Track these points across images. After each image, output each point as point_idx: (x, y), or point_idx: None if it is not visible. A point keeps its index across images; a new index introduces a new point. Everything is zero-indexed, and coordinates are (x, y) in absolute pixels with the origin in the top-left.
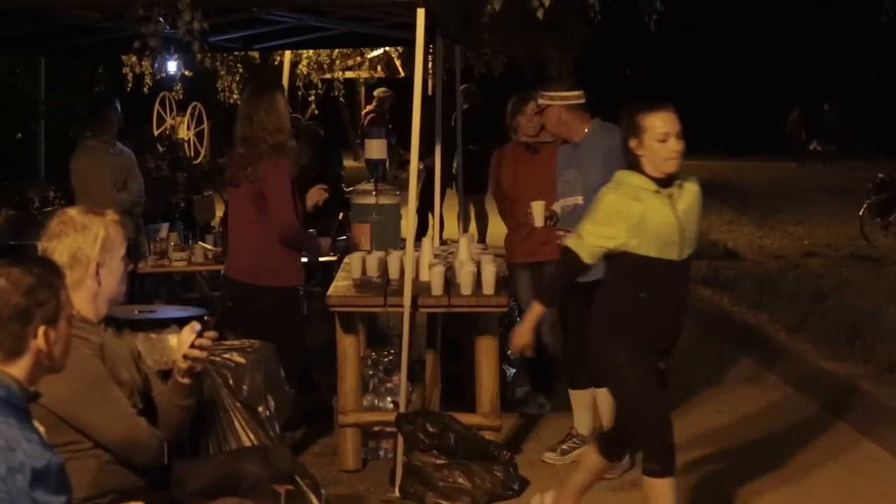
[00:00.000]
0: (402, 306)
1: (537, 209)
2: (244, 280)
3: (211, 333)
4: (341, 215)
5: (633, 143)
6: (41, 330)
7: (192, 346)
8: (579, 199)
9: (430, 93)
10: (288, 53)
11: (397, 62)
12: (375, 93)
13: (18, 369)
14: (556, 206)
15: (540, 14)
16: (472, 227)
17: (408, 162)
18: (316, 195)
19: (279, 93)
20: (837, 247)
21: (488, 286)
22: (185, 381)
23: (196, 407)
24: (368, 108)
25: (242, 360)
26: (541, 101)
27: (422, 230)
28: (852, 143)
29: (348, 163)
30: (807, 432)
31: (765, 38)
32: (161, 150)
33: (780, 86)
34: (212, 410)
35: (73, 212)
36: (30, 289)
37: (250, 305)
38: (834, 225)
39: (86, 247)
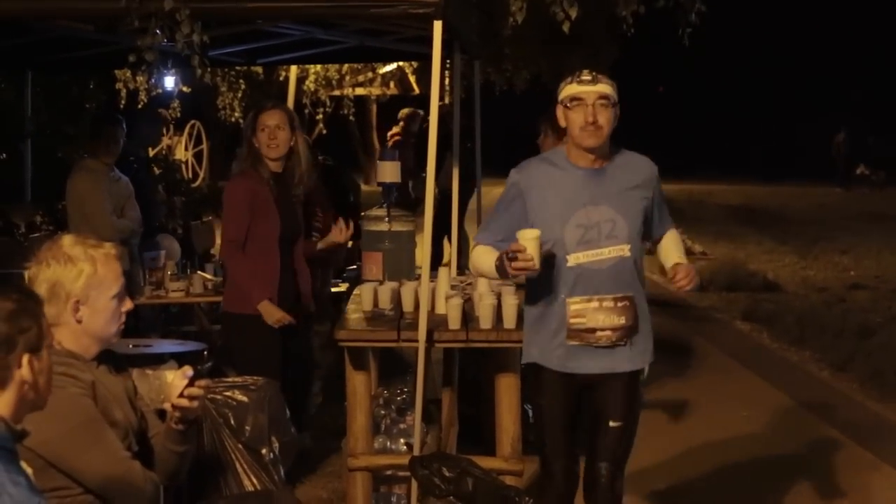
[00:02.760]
0: (416, 341)
1: (530, 241)
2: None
3: (203, 382)
4: (351, 243)
5: None
6: (25, 358)
7: (183, 394)
8: (625, 250)
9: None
10: (294, 68)
11: (411, 78)
12: (401, 114)
13: (3, 405)
14: (580, 258)
15: (566, 27)
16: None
17: None
18: (336, 236)
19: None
20: (886, 279)
21: (509, 320)
22: (179, 427)
23: (195, 450)
24: (395, 129)
25: (245, 399)
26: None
27: (437, 259)
28: None
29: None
30: (852, 480)
31: (808, 54)
32: (157, 171)
33: (825, 105)
34: (212, 452)
35: (66, 240)
36: (11, 315)
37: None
38: (883, 255)
39: (66, 281)
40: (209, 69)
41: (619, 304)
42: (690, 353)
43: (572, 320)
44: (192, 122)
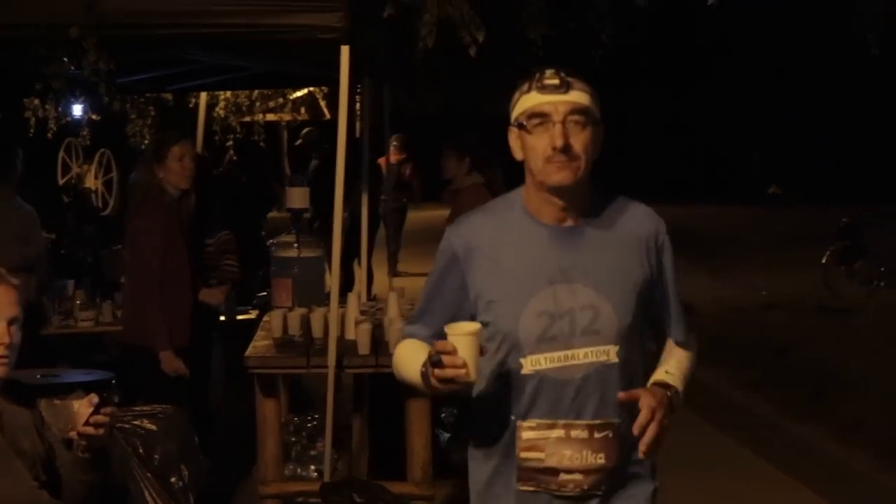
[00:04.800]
0: (326, 367)
1: (462, 338)
2: None
3: (109, 409)
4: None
5: None
6: None
7: (88, 422)
8: (610, 354)
9: (357, 135)
10: (203, 95)
11: (322, 103)
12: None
13: None
14: (541, 362)
15: (472, 51)
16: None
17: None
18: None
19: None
20: (799, 297)
21: None
22: (86, 455)
23: (103, 479)
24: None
25: (153, 427)
26: None
27: (347, 284)
28: (819, 185)
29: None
30: (767, 497)
31: (724, 73)
32: (66, 200)
33: (744, 125)
34: (122, 481)
35: None
36: None
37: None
38: (795, 274)
39: None
40: (118, 97)
41: (598, 435)
42: None
43: (525, 454)
44: (102, 150)
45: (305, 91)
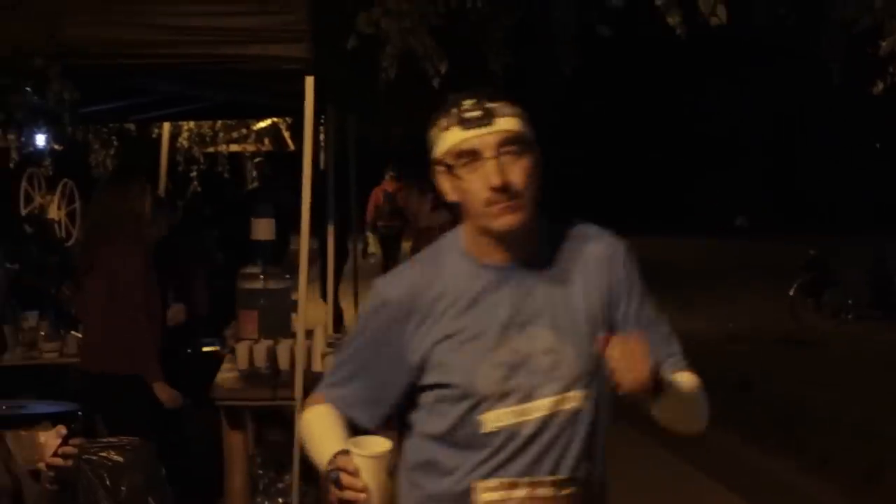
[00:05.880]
0: (292, 399)
1: (366, 462)
2: None
3: (77, 440)
4: None
5: None
6: None
7: (57, 453)
8: (578, 399)
9: (321, 167)
10: (167, 125)
11: (286, 134)
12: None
13: None
14: (501, 418)
15: (436, 83)
16: None
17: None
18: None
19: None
20: (766, 330)
21: None
22: (54, 487)
23: None
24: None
25: (120, 459)
26: None
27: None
28: (785, 216)
29: None
30: None
31: (695, 106)
32: (29, 230)
33: (714, 157)
34: None
35: None
36: None
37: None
38: (760, 307)
39: None
40: (80, 126)
41: (564, 492)
42: None
43: None
44: (65, 180)
45: (269, 122)
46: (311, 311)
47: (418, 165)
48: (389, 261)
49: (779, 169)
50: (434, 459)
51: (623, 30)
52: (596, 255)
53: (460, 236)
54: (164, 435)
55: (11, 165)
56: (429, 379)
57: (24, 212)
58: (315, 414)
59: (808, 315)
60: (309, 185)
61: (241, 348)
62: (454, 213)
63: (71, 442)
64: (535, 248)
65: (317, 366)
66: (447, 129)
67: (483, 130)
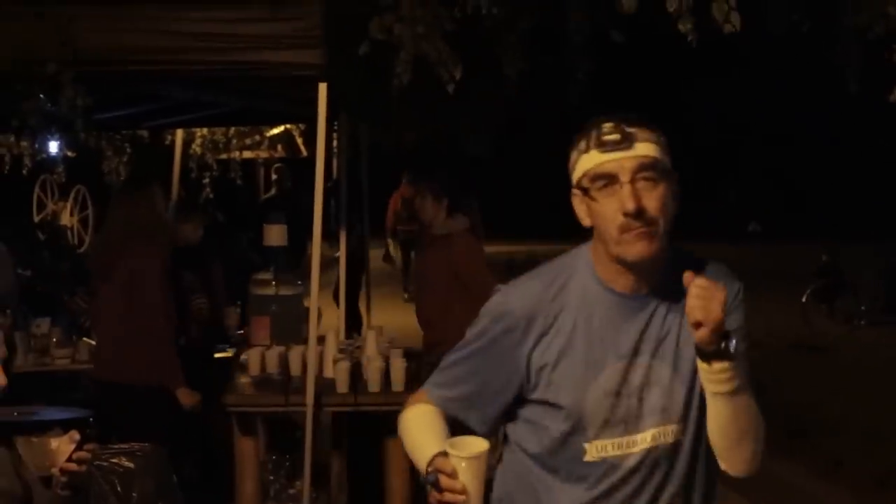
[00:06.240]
0: (304, 405)
1: (464, 462)
2: None
3: (91, 446)
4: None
5: None
6: None
7: (70, 458)
8: (678, 433)
9: (334, 173)
10: (180, 132)
11: (299, 140)
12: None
13: None
14: (607, 449)
15: (451, 88)
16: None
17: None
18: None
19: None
20: (778, 335)
21: (397, 383)
22: (66, 493)
23: None
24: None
25: (131, 465)
26: None
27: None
28: (798, 221)
29: None
30: None
31: (701, 110)
32: (42, 237)
33: (721, 162)
34: None
35: None
36: None
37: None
38: (773, 313)
39: None
40: (94, 133)
41: None
42: None
43: None
44: (78, 187)
45: (282, 128)
46: (323, 317)
47: (432, 172)
48: (409, 266)
49: (792, 175)
50: (528, 481)
51: (637, 36)
52: None
53: (589, 258)
54: (178, 444)
55: (24, 172)
56: (537, 394)
57: (36, 218)
58: (415, 413)
59: (820, 321)
60: (322, 191)
61: (253, 354)
62: (469, 217)
63: (85, 447)
64: (661, 279)
65: (328, 372)
66: (585, 151)
67: (621, 154)
